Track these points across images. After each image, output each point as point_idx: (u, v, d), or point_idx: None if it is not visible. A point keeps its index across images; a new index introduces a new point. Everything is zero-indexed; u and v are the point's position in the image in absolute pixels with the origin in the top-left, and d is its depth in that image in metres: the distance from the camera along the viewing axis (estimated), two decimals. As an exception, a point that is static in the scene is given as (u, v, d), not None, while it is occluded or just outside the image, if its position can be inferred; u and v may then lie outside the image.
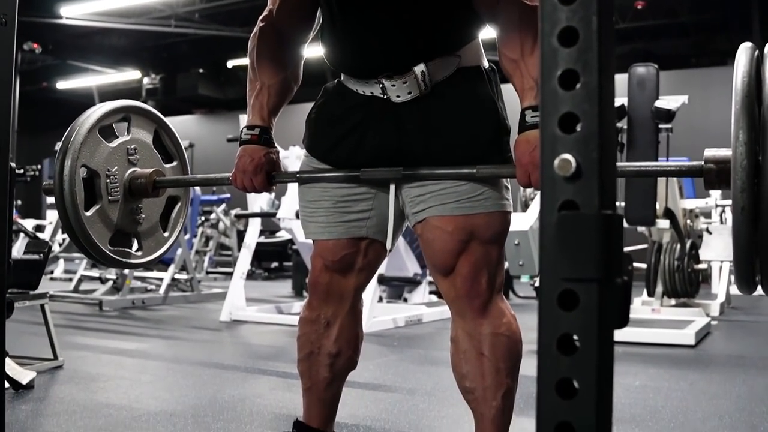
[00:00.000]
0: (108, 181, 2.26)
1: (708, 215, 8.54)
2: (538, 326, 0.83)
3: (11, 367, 3.38)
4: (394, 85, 1.92)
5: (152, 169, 2.32)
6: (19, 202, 12.72)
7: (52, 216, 10.13)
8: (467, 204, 1.91)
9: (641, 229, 6.79)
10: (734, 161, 1.40)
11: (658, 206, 6.06)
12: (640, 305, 6.86)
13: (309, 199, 2.09)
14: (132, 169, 2.32)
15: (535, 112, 1.79)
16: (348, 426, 2.87)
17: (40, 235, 8.78)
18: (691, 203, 7.46)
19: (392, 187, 2.01)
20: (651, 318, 6.14)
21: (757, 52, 1.52)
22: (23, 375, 3.42)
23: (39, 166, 8.83)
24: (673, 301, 6.82)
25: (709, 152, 1.61)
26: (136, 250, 2.40)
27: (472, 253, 1.94)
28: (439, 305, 6.77)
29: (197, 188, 9.76)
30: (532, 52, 1.80)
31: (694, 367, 4.33)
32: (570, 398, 0.82)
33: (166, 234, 2.49)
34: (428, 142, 1.94)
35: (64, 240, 9.27)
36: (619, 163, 1.57)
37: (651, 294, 6.88)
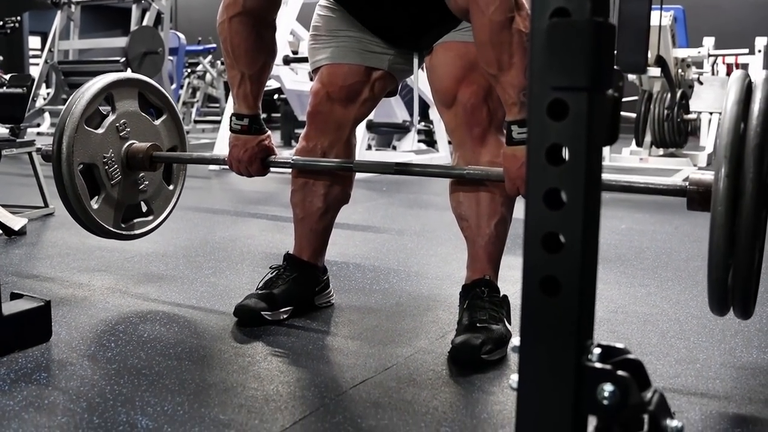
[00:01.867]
0: (106, 167, 2.31)
1: (700, 65, 8.45)
2: (527, 138, 0.82)
3: (2, 214, 3.39)
4: None
5: (148, 145, 2.36)
6: (0, 57, 12.46)
7: (34, 72, 9.95)
8: (470, 32, 1.89)
9: (632, 77, 6.74)
10: (715, 188, 1.48)
11: (649, 54, 5.99)
12: (629, 155, 6.89)
13: (331, 28, 2.12)
14: (127, 144, 2.36)
15: (521, 128, 1.79)
16: (338, 263, 2.91)
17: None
18: (683, 52, 7.37)
19: (416, 60, 2.11)
20: (639, 166, 6.19)
21: (748, 80, 1.56)
22: (15, 222, 3.44)
23: (18, 18, 8.61)
24: (661, 151, 6.85)
25: (694, 176, 1.72)
26: (147, 214, 2.49)
27: (473, 81, 1.96)
28: (428, 153, 6.78)
29: (182, 37, 9.58)
30: (510, 66, 1.76)
31: (680, 213, 4.37)
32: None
33: (171, 187, 2.55)
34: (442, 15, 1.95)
35: (48, 94, 9.15)
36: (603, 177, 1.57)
37: (639, 144, 6.90)
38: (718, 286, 1.54)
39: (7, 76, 8.94)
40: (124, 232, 2.42)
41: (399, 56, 2.12)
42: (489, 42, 1.77)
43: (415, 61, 2.13)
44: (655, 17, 5.64)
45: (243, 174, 2.21)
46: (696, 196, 1.70)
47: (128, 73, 2.46)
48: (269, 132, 2.23)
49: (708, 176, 1.68)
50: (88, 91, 2.28)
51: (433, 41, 2.03)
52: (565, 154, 0.82)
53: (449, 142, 2.48)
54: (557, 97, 0.80)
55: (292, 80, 6.43)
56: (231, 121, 2.17)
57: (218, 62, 9.99)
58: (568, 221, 0.82)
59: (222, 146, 6.37)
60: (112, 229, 2.36)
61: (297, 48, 7.44)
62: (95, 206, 2.31)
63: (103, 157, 2.31)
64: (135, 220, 2.47)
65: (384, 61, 2.11)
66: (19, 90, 3.84)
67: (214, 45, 10.44)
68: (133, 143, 2.37)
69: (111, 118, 2.35)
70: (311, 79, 2.27)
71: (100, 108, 2.35)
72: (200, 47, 10.37)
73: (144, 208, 2.50)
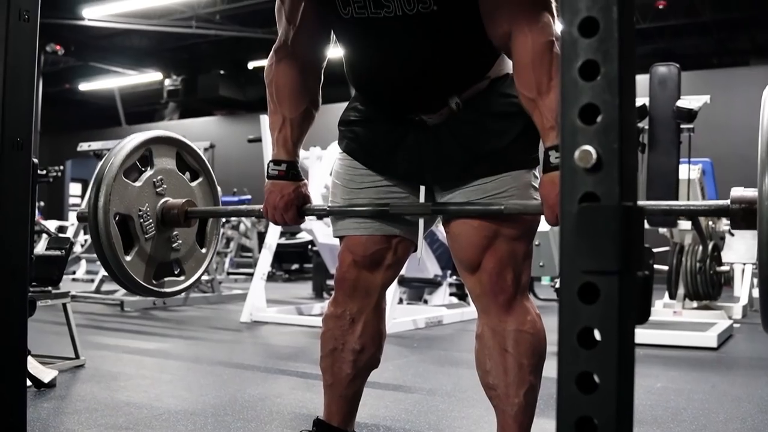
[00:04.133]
0: (141, 221, 2.31)
1: (730, 216, 8.45)
2: (558, 319, 0.82)
3: (33, 366, 3.40)
4: (430, 118, 1.99)
5: (183, 201, 2.37)
6: (42, 203, 12.81)
7: (74, 217, 10.18)
8: (492, 200, 1.91)
9: (663, 230, 6.74)
10: (760, 203, 1.39)
11: (680, 207, 6.01)
12: (662, 308, 6.81)
13: (343, 197, 2.13)
14: (162, 201, 2.37)
15: (558, 153, 1.76)
16: (368, 426, 2.86)
17: (62, 235, 8.84)
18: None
19: (422, 190, 2.04)
20: (673, 320, 6.10)
21: None
22: (45, 373, 3.44)
23: (61, 167, 8.89)
24: (695, 304, 6.77)
25: (736, 192, 1.59)
26: (179, 275, 2.47)
27: (497, 249, 1.94)
28: (459, 307, 6.75)
29: (218, 189, 9.80)
30: (549, 90, 1.76)
31: (716, 370, 4.29)
32: (591, 393, 0.81)
33: (203, 250, 2.55)
34: (462, 146, 1.97)
35: (86, 241, 9.32)
36: (642, 203, 1.55)
37: (672, 296, 6.83)
38: None
39: (45, 223, 9.20)
40: (154, 288, 2.37)
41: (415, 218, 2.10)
42: (531, 63, 1.78)
43: (422, 192, 2.06)
44: (683, 170, 5.69)
45: (278, 222, 2.16)
46: (740, 214, 1.56)
47: (167, 132, 2.47)
48: (306, 180, 2.20)
49: (751, 192, 1.53)
50: (128, 144, 2.29)
51: (442, 181, 2.02)
52: (597, 335, 0.82)
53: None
54: (588, 281, 0.80)
55: (325, 234, 6.51)
56: (268, 167, 2.14)
57: (252, 214, 10.17)
58: (602, 405, 0.81)
59: (254, 297, 6.40)
60: (143, 283, 2.31)
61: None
62: (128, 258, 2.27)
63: (139, 210, 2.30)
64: (166, 279, 2.42)
65: (402, 226, 2.09)
66: (57, 252, 3.91)
67: (249, 196, 10.67)
68: (169, 200, 2.37)
69: (149, 172, 2.35)
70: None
71: (138, 164, 2.36)
72: (235, 198, 10.59)
73: (176, 269, 2.47)
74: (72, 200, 19.58)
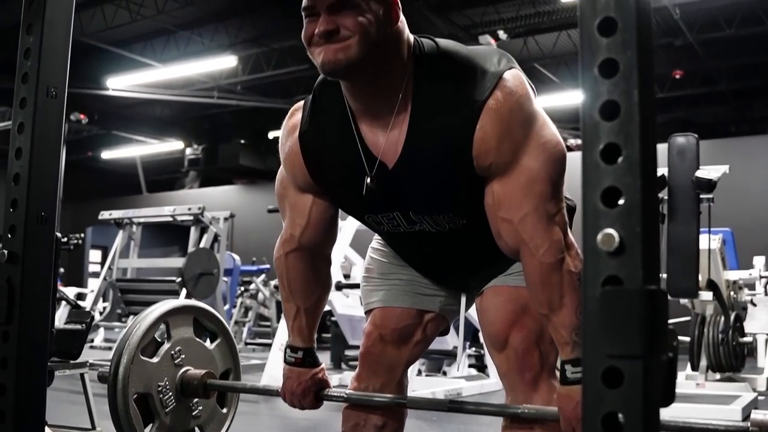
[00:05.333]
0: (161, 396, 2.33)
1: (752, 287, 8.38)
2: (582, 404, 0.81)
3: (49, 437, 3.38)
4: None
5: (202, 373, 2.38)
6: (62, 270, 12.89)
7: (93, 284, 10.22)
8: (520, 277, 1.89)
9: (684, 301, 6.68)
10: None
11: (700, 277, 5.96)
12: (684, 380, 6.72)
13: (383, 272, 2.15)
14: (181, 372, 2.39)
15: (575, 367, 1.74)
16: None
17: (81, 303, 8.86)
18: (734, 274, 7.33)
19: (464, 299, 2.13)
20: (696, 393, 6.00)
21: None
22: (61, 444, 3.42)
23: (82, 235, 8.96)
24: (718, 375, 6.67)
25: (757, 415, 1.69)
26: None
27: (524, 326, 1.94)
28: (479, 379, 6.67)
29: (237, 258, 9.84)
30: (561, 306, 1.74)
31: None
32: None
33: (224, 410, 2.56)
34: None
35: (104, 309, 9.34)
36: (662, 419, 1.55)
37: (695, 368, 6.74)
38: None
39: (64, 290, 9.22)
40: None
41: (450, 297, 2.13)
42: (540, 283, 1.76)
43: (463, 300, 2.14)
44: (703, 241, 5.66)
45: (296, 407, 2.18)
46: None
47: (184, 301, 2.49)
48: (323, 365, 2.21)
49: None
50: (145, 321, 2.32)
51: (483, 284, 2.04)
52: (621, 418, 0.81)
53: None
54: (612, 365, 0.80)
55: (344, 305, 6.50)
56: (285, 353, 2.16)
57: (271, 283, 10.15)
58: (628, 492, 0.79)
59: (272, 368, 6.35)
60: None
61: (349, 272, 7.57)
62: None
63: (158, 385, 2.31)
64: None
65: (436, 303, 2.11)
66: (78, 326, 3.92)
67: (268, 266, 10.67)
68: (188, 370, 2.38)
69: (166, 346, 2.37)
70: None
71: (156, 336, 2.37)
72: (254, 267, 10.60)
73: None
74: (92, 267, 19.66)
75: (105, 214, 9.12)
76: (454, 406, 2.06)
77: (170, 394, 2.34)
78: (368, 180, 1.78)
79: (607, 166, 0.81)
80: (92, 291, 9.75)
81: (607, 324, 0.79)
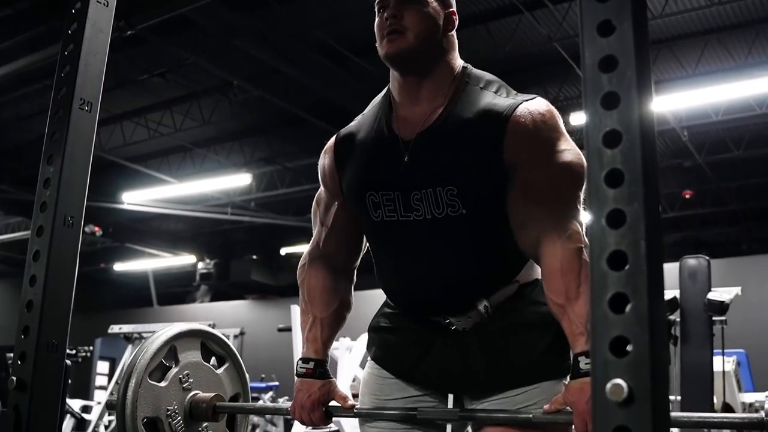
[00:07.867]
0: (170, 420, 2.30)
1: (769, 409, 8.23)
2: None
3: None
4: (458, 320, 1.97)
5: (211, 396, 2.34)
6: (69, 381, 12.77)
7: (100, 396, 10.11)
8: (510, 400, 1.89)
9: (699, 424, 6.55)
10: None
11: (715, 400, 5.86)
12: None
13: (372, 404, 2.11)
14: (190, 395, 2.35)
15: (588, 359, 1.73)
16: None
17: (86, 416, 8.73)
18: (750, 397, 7.20)
19: (450, 397, 2.03)
20: None
21: None
22: None
23: (90, 348, 8.92)
24: None
25: None
26: None
27: None
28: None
29: (246, 375, 9.73)
30: (578, 296, 1.76)
31: None
32: None
33: None
34: (490, 359, 1.95)
35: (110, 422, 9.21)
36: (674, 414, 1.54)
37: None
38: None
39: (70, 402, 9.08)
40: None
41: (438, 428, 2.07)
42: (559, 270, 1.77)
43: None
44: (717, 363, 5.59)
45: (306, 423, 2.11)
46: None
47: (191, 324, 2.45)
48: (334, 379, 2.16)
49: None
50: (152, 345, 2.27)
51: (472, 390, 1.99)
52: None
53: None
54: None
55: (352, 425, 6.41)
56: (297, 365, 2.13)
57: (279, 400, 10.02)
58: None
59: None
60: None
61: (358, 391, 7.48)
62: None
63: (167, 410, 2.25)
64: None
65: None
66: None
67: (277, 383, 10.56)
68: (197, 393, 2.32)
69: (174, 370, 2.32)
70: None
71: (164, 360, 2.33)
72: (263, 384, 10.48)
73: None
74: (99, 379, 19.46)
75: (114, 328, 9.10)
76: (465, 415, 1.96)
77: (179, 418, 2.27)
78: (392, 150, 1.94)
79: (615, 316, 0.82)
80: (98, 403, 9.63)
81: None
